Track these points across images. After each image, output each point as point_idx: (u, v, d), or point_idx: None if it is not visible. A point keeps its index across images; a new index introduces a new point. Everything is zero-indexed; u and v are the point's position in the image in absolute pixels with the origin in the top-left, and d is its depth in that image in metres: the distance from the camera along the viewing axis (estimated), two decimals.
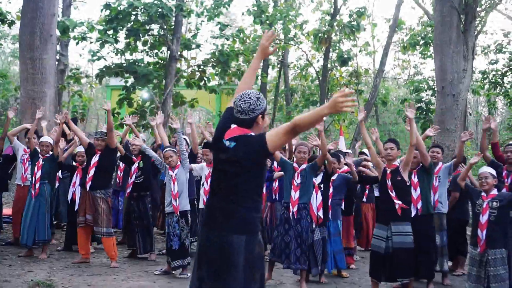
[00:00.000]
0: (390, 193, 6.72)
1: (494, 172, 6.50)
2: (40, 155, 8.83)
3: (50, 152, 8.90)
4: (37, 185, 8.66)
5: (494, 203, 6.25)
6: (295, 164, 7.33)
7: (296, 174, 7.22)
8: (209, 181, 8.16)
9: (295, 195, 7.19)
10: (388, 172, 6.82)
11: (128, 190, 8.98)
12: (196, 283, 3.72)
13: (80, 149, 9.23)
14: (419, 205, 7.17)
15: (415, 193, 7.18)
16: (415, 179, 7.23)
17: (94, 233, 8.53)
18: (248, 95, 3.72)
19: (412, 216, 7.02)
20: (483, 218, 6.25)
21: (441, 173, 7.84)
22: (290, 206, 7.17)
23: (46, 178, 8.78)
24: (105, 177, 8.47)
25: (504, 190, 7.04)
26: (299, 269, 7.21)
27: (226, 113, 3.96)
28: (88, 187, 8.30)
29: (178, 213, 7.74)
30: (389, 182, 6.76)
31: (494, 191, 6.35)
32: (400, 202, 6.60)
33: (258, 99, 3.71)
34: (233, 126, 3.77)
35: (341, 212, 8.14)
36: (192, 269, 3.88)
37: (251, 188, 3.70)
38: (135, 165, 8.91)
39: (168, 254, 7.89)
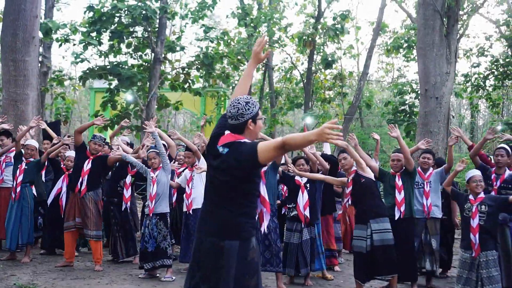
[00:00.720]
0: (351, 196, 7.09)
1: (479, 173, 6.59)
2: (23, 158, 8.74)
3: (34, 157, 8.83)
4: (18, 188, 8.57)
5: (483, 207, 6.29)
6: None
7: None
8: (190, 185, 8.17)
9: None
10: (350, 180, 7.01)
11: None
12: None
13: (70, 154, 9.11)
14: (402, 208, 7.21)
15: (399, 196, 7.24)
16: (399, 182, 7.29)
17: (84, 235, 8.45)
18: (238, 100, 3.71)
19: (396, 218, 7.10)
20: (474, 222, 6.27)
21: (432, 178, 7.89)
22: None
23: (28, 181, 8.69)
24: (95, 179, 8.37)
25: (492, 193, 7.09)
26: (271, 271, 7.23)
27: (221, 120, 3.96)
28: (78, 191, 8.21)
29: (152, 214, 7.71)
30: (349, 189, 6.99)
31: (482, 194, 6.39)
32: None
33: (247, 103, 3.70)
34: (226, 132, 3.77)
35: (320, 211, 8.16)
36: (186, 276, 3.87)
37: (242, 194, 3.70)
38: (129, 180, 8.92)
39: (140, 255, 7.85)
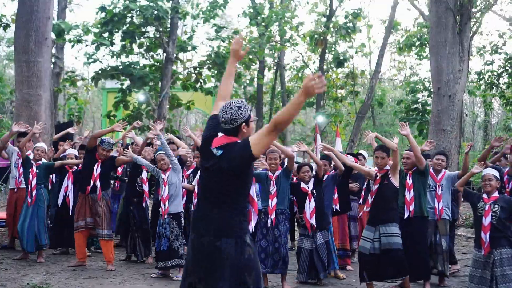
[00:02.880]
0: (369, 198, 6.87)
1: (497, 174, 6.47)
2: (33, 162, 8.78)
3: (43, 159, 8.89)
4: (34, 192, 8.62)
5: (496, 206, 6.23)
6: (269, 173, 7.39)
7: (271, 182, 7.30)
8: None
9: (272, 202, 7.27)
10: (378, 177, 6.89)
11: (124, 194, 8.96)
12: None
13: (71, 151, 9.19)
14: (411, 207, 7.14)
15: (409, 195, 7.16)
16: (409, 181, 7.22)
17: (96, 235, 8.47)
18: (230, 105, 3.75)
19: (405, 217, 7.04)
20: (486, 221, 6.21)
21: (444, 181, 7.81)
22: (269, 214, 7.24)
23: (42, 183, 8.75)
24: (105, 180, 8.42)
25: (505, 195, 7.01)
26: (278, 273, 7.25)
27: (210, 121, 4.01)
28: (88, 192, 8.25)
29: (166, 215, 7.73)
30: (374, 188, 6.86)
31: (496, 193, 6.32)
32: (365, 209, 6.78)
33: (240, 108, 3.75)
34: (220, 134, 3.80)
35: (331, 212, 8.13)
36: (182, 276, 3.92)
37: (237, 193, 3.75)
38: (145, 176, 8.96)
39: (156, 254, 7.89)
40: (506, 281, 6.04)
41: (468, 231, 12.52)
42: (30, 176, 8.62)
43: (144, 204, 8.84)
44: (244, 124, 3.75)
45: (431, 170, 7.79)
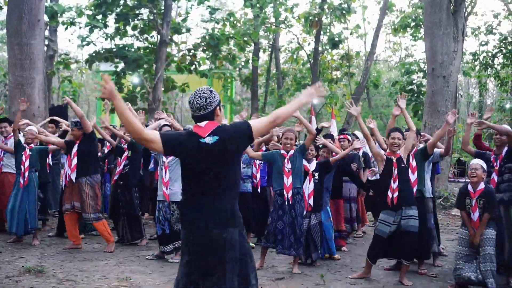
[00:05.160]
0: (393, 183, 6.69)
1: (485, 165, 6.46)
2: (25, 145, 8.78)
3: (34, 142, 8.88)
4: (26, 174, 8.63)
5: (482, 202, 6.29)
6: (282, 151, 7.32)
7: (286, 160, 7.21)
8: None
9: (287, 181, 7.18)
10: (394, 160, 6.79)
11: (115, 178, 8.93)
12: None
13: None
14: (415, 189, 7.10)
15: (413, 177, 7.09)
16: (413, 162, 7.15)
17: (84, 220, 8.48)
18: (201, 90, 3.76)
19: None
20: (475, 216, 6.28)
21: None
22: (285, 192, 7.16)
23: (34, 166, 8.75)
24: (89, 163, 8.35)
25: (494, 174, 7.01)
26: (293, 255, 7.22)
27: (171, 133, 3.97)
28: (72, 177, 8.25)
29: (169, 200, 7.70)
30: (395, 172, 6.72)
31: (481, 186, 6.33)
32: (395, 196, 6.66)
33: (211, 92, 3.77)
34: (203, 123, 3.72)
35: (329, 195, 8.17)
36: (180, 272, 3.76)
37: (235, 178, 3.74)
38: (124, 154, 8.87)
39: (159, 239, 7.86)
40: (486, 260, 6.16)
41: None
42: (24, 158, 8.62)
43: (133, 188, 8.80)
44: (218, 107, 3.76)
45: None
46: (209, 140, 3.65)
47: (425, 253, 7.30)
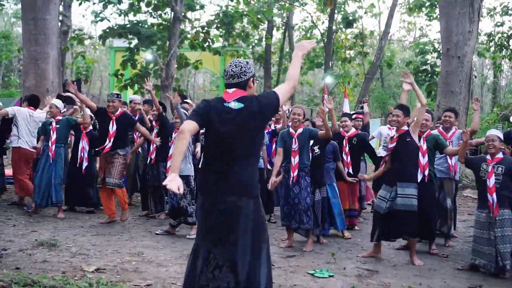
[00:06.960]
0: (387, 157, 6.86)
1: (501, 135, 6.42)
2: (52, 119, 8.92)
3: (59, 115, 9.00)
4: (53, 147, 8.79)
5: (500, 169, 6.21)
6: (291, 130, 7.33)
7: (293, 140, 7.22)
8: None
9: (294, 160, 7.20)
10: (396, 136, 6.79)
11: (153, 156, 9.02)
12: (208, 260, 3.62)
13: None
14: (426, 172, 7.05)
15: (423, 160, 7.05)
16: (424, 145, 7.12)
17: (106, 184, 8.53)
18: (238, 60, 3.84)
19: (419, 181, 6.93)
20: (490, 182, 6.17)
21: (455, 139, 7.74)
22: (291, 172, 7.19)
23: (62, 142, 8.92)
24: (123, 139, 8.57)
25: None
26: (306, 228, 7.24)
27: (201, 104, 3.83)
28: (106, 150, 8.42)
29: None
30: (392, 145, 6.77)
31: (500, 155, 6.30)
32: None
33: (247, 63, 3.84)
34: (231, 90, 3.75)
35: (333, 172, 8.20)
36: (196, 238, 3.81)
37: (255, 148, 3.75)
38: (154, 131, 9.02)
39: (170, 212, 7.98)
40: (505, 241, 6.07)
41: (474, 193, 12.56)
42: (51, 131, 8.77)
43: (161, 164, 8.93)
44: (252, 79, 3.82)
45: (440, 128, 7.80)
46: (233, 105, 3.69)
47: (430, 234, 7.21)
